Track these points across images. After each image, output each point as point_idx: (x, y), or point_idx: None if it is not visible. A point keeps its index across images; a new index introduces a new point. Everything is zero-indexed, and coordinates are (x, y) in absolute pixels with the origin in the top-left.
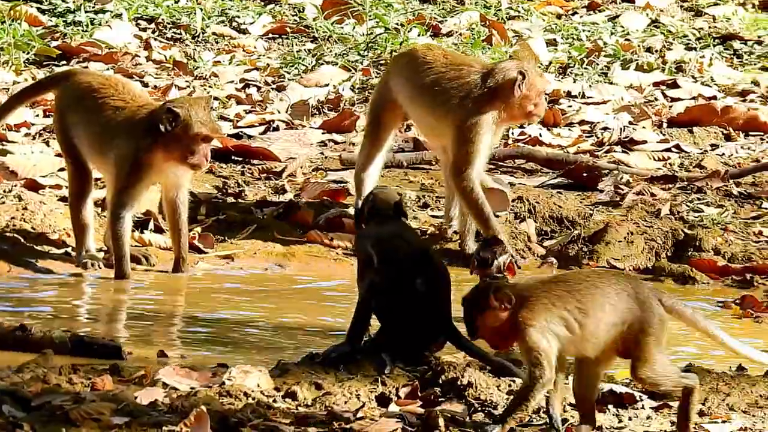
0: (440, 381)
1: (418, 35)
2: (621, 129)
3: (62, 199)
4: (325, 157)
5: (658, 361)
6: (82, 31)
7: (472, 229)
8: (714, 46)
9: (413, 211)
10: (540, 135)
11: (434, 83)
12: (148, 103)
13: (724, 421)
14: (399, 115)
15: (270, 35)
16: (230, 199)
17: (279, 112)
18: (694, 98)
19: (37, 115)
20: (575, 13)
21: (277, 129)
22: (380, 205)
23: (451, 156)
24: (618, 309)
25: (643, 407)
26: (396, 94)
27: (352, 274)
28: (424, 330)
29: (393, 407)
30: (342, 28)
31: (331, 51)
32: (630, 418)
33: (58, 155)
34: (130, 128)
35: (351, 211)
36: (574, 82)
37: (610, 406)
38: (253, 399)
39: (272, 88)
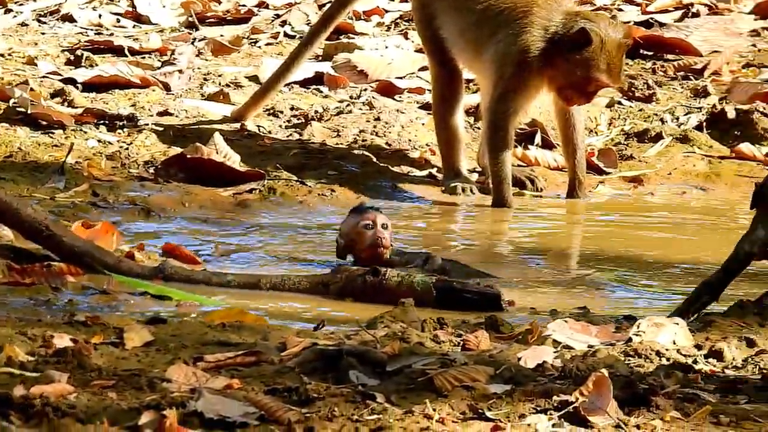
0: None
1: None
2: None
3: (424, 106)
4: (758, 50)
5: None
6: None
7: None
8: None
9: None
10: None
11: None
12: None
13: None
14: None
15: None
16: (638, 105)
17: None
18: None
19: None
20: None
21: (696, 15)
22: None
23: None
24: None
25: None
26: None
27: None
28: None
29: None
30: None
31: None
32: None
33: (419, 51)
34: (518, 20)
35: None
36: None
37: None
38: (668, 359)
39: None
